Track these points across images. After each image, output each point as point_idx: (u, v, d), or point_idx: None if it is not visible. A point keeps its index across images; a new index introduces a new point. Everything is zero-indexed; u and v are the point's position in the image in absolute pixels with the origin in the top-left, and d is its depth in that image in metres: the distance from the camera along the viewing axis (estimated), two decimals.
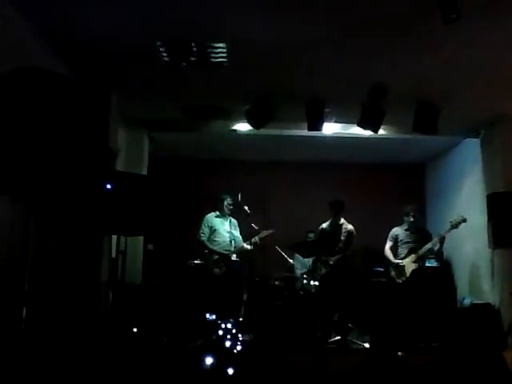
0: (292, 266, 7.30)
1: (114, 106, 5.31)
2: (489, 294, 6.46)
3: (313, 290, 6.29)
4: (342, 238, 6.27)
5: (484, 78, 5.05)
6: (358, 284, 6.53)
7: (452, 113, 5.72)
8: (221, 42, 4.41)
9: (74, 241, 4.58)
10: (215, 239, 6.65)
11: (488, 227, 5.78)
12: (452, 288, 7.10)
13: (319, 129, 5.83)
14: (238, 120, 6.28)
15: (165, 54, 4.63)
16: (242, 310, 6.55)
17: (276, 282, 6.73)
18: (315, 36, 4.28)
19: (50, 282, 4.08)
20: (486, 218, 5.89)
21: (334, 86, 5.30)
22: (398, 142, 7.25)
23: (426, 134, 5.73)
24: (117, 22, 4.10)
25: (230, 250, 6.62)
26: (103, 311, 4.93)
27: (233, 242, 6.64)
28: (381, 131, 5.82)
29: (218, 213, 6.75)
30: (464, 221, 5.99)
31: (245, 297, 6.69)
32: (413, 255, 6.16)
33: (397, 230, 6.45)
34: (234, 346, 4.67)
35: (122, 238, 5.09)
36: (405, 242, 6.33)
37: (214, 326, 5.33)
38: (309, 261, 6.70)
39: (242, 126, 6.35)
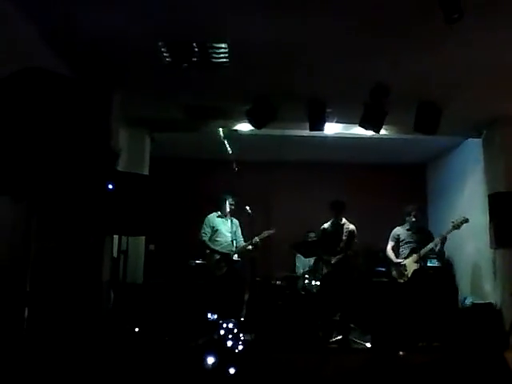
0: (294, 265, 7.30)
1: (115, 106, 5.33)
2: (490, 294, 6.46)
3: (314, 290, 6.30)
4: (344, 237, 6.25)
5: (484, 78, 5.05)
6: (360, 284, 6.51)
7: (453, 113, 5.70)
8: (222, 43, 4.42)
9: (75, 241, 4.60)
10: (217, 239, 6.65)
11: (490, 227, 5.79)
12: (454, 288, 7.06)
13: (321, 129, 5.83)
14: (239, 120, 6.27)
15: (167, 55, 4.64)
16: (244, 309, 6.56)
17: (277, 282, 6.72)
18: (315, 36, 4.28)
19: (52, 282, 4.09)
20: (487, 218, 5.89)
21: (334, 86, 5.30)
22: (399, 142, 7.23)
23: (427, 134, 5.70)
24: (117, 22, 4.11)
25: (231, 250, 6.62)
26: (105, 311, 4.93)
27: (234, 242, 6.63)
28: (382, 131, 5.80)
29: (219, 213, 6.76)
30: (466, 221, 5.98)
31: (246, 297, 6.69)
32: (414, 255, 6.14)
33: (398, 230, 6.45)
34: (235, 345, 4.68)
35: (124, 238, 5.12)
36: (406, 242, 6.32)
37: (216, 325, 5.32)
38: (309, 261, 6.70)
39: (244, 126, 6.35)
